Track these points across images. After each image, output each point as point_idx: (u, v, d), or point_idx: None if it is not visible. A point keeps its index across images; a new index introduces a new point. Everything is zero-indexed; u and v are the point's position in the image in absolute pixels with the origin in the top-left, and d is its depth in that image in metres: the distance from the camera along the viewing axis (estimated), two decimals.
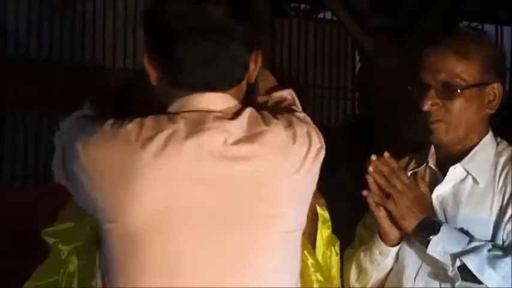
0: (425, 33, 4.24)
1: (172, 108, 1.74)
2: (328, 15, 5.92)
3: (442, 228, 2.17)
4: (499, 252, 2.17)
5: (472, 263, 2.16)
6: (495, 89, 2.28)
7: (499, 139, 2.35)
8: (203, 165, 1.67)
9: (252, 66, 1.78)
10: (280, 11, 5.65)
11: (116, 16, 5.70)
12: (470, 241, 2.18)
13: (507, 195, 2.25)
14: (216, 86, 1.72)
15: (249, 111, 1.75)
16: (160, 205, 1.68)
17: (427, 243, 2.19)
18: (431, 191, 2.32)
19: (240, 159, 1.68)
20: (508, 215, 2.23)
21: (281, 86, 5.41)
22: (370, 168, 2.24)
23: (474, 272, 2.18)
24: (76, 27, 5.73)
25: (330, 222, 2.43)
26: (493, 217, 2.26)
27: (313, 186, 1.85)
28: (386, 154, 2.25)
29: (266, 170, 1.72)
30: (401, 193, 2.21)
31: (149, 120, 1.68)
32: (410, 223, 2.21)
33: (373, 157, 2.24)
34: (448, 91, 2.23)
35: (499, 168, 2.29)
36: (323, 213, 2.43)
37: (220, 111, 1.72)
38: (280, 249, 1.78)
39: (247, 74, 1.79)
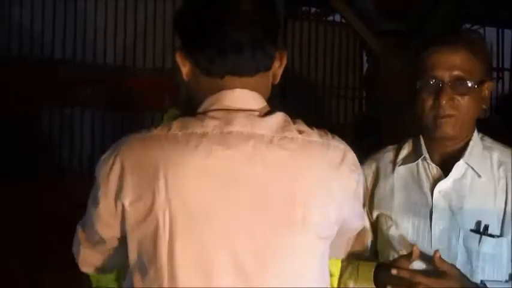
0: (433, 34, 4.18)
1: (201, 107, 1.71)
2: (337, 18, 5.94)
3: None
4: None
5: None
6: (490, 87, 2.30)
7: (481, 134, 2.33)
8: (232, 168, 1.63)
9: (277, 63, 1.76)
10: (292, 14, 5.66)
11: (136, 17, 5.61)
12: None
13: (509, 190, 2.23)
14: (243, 72, 1.69)
15: (281, 114, 1.72)
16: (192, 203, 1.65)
17: None
18: (432, 186, 2.28)
19: (269, 163, 1.65)
20: None
21: (291, 85, 5.30)
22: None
23: None
24: (97, 27, 5.51)
25: None
26: (499, 209, 2.23)
27: (350, 200, 1.81)
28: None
29: (296, 176, 1.67)
30: None
31: (177, 123, 1.66)
32: None
33: (394, 272, 2.15)
34: (461, 87, 2.21)
35: (495, 163, 2.28)
36: None
37: (249, 110, 1.70)
38: (309, 253, 1.73)
39: (272, 71, 1.77)
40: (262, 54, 1.72)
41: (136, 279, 1.76)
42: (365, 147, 3.84)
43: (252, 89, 1.73)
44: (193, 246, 1.66)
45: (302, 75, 5.67)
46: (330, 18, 6.06)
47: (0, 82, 5.15)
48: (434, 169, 2.30)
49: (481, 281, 2.16)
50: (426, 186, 2.30)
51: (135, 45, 5.20)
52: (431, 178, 2.30)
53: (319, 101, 5.63)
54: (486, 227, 2.20)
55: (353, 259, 2.39)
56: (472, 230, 2.22)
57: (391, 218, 2.34)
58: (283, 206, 1.67)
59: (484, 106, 2.29)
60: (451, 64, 2.22)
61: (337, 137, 1.75)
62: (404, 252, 2.24)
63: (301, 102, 5.39)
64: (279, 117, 1.71)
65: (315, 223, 1.71)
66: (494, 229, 2.21)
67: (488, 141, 2.31)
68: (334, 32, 5.87)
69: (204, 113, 1.69)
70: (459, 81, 2.21)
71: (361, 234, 2.18)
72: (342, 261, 2.45)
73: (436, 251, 2.13)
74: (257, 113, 1.71)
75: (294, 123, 1.71)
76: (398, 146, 2.41)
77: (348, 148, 1.76)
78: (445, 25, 4.78)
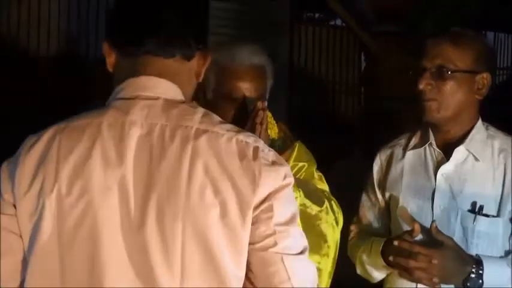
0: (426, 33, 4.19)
1: (110, 98, 1.53)
2: (339, 22, 5.92)
3: (486, 279, 2.12)
4: None
5: None
6: (484, 79, 2.26)
7: (486, 124, 2.33)
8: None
9: (200, 61, 1.59)
10: (297, 19, 5.63)
11: None
12: (511, 269, 2.15)
13: (508, 174, 2.24)
14: (158, 52, 1.51)
15: (186, 106, 1.52)
16: None
17: None
18: (435, 169, 2.29)
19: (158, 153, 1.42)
20: None
21: (297, 82, 5.30)
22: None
23: None
24: None
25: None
26: (496, 192, 2.24)
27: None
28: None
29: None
30: (435, 266, 2.11)
31: (89, 114, 1.48)
32: (454, 282, 2.16)
33: (396, 243, 2.17)
34: (441, 73, 2.21)
35: (496, 150, 2.28)
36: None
37: (151, 98, 1.49)
38: None
39: (195, 68, 1.59)
40: (179, 41, 1.54)
41: None
42: (366, 135, 3.90)
43: (167, 74, 1.53)
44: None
45: (307, 74, 5.67)
46: (332, 22, 6.05)
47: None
48: (438, 154, 2.31)
49: (476, 254, 2.16)
50: (431, 169, 2.31)
51: None
52: (435, 162, 2.31)
53: (322, 96, 5.64)
54: (481, 207, 2.21)
55: (368, 236, 2.43)
56: (468, 211, 2.22)
57: (399, 199, 2.35)
58: None
59: (477, 96, 2.27)
60: (434, 53, 2.23)
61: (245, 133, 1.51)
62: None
63: (306, 97, 5.40)
64: (183, 107, 1.51)
65: None
66: (490, 210, 2.21)
67: (492, 129, 2.31)
68: (335, 35, 5.87)
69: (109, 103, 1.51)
70: (440, 68, 2.21)
71: None
72: (352, 238, 2.50)
73: (432, 222, 2.16)
74: (158, 101, 1.49)
75: (204, 115, 1.50)
76: (411, 134, 2.42)
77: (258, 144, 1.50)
78: (439, 27, 4.78)
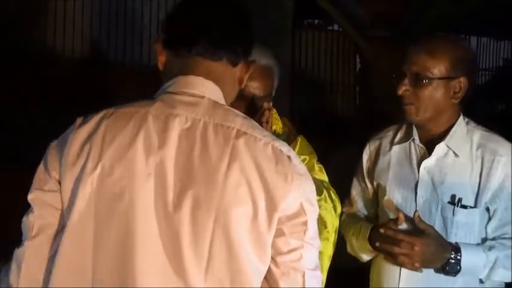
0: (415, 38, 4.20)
1: (158, 92, 1.49)
2: (336, 27, 5.91)
3: (463, 264, 2.10)
4: (509, 249, 2.14)
5: (495, 276, 2.15)
6: (461, 83, 2.20)
7: (467, 119, 2.29)
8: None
9: (243, 68, 1.54)
10: (299, 25, 5.62)
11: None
12: (486, 256, 2.12)
13: (485, 168, 2.20)
14: (207, 54, 1.47)
15: (226, 107, 1.48)
16: None
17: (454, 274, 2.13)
18: (419, 163, 2.26)
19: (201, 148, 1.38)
20: (490, 182, 2.18)
21: (299, 82, 5.27)
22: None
23: (501, 279, 2.19)
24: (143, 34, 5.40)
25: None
26: (474, 184, 2.20)
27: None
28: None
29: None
30: (417, 252, 2.09)
31: (137, 103, 1.45)
32: (434, 266, 2.13)
33: (382, 231, 2.15)
34: (418, 80, 2.17)
35: (474, 145, 2.23)
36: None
37: (197, 96, 1.45)
38: None
39: (238, 74, 1.54)
40: (227, 46, 1.49)
41: None
42: (361, 131, 3.90)
43: (213, 76, 1.49)
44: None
45: (307, 74, 5.67)
46: (330, 28, 6.04)
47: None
48: (421, 149, 2.27)
49: (455, 242, 2.13)
50: (415, 163, 2.28)
51: None
52: (419, 156, 2.28)
53: (321, 94, 5.64)
54: (460, 200, 2.17)
55: (357, 219, 2.42)
56: (448, 202, 2.19)
57: (385, 189, 2.32)
58: None
59: (453, 100, 2.20)
60: (412, 61, 2.18)
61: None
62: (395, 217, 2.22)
63: (306, 96, 5.40)
64: (226, 108, 1.47)
65: None
66: (468, 201, 2.18)
67: (473, 125, 2.27)
68: (333, 39, 5.86)
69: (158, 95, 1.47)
70: (417, 75, 2.16)
71: None
72: (344, 218, 2.46)
73: (415, 212, 2.13)
74: (204, 99, 1.45)
75: (245, 119, 1.45)
76: (398, 127, 2.39)
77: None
78: (427, 32, 4.80)
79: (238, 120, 1.43)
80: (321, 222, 2.32)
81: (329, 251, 2.35)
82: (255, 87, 2.28)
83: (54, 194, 1.41)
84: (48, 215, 1.42)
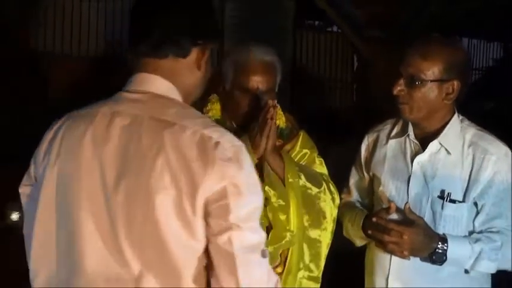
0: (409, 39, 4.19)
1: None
2: (335, 29, 5.91)
3: (449, 254, 2.10)
4: (493, 243, 2.13)
5: (480, 267, 2.14)
6: (453, 85, 2.18)
7: (461, 117, 2.28)
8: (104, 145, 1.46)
9: (198, 54, 1.55)
10: (300, 26, 5.62)
11: None
12: (472, 248, 2.12)
13: (475, 165, 2.19)
14: (152, 54, 1.51)
15: (172, 100, 1.51)
16: None
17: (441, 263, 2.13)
18: (412, 158, 2.26)
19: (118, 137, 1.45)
20: (480, 179, 2.17)
21: (299, 79, 5.23)
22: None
23: (485, 270, 2.18)
24: None
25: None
26: (463, 180, 2.19)
27: None
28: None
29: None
30: (406, 241, 2.08)
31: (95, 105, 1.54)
32: (421, 255, 2.13)
33: (374, 219, 2.15)
34: (412, 82, 2.16)
35: (466, 142, 2.22)
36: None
37: (143, 92, 1.51)
38: None
39: (195, 61, 1.56)
40: (170, 43, 1.51)
41: None
42: (357, 125, 3.90)
43: (162, 72, 1.52)
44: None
45: (307, 72, 5.68)
46: (329, 29, 6.05)
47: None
48: (415, 145, 2.27)
49: (443, 233, 2.13)
50: (409, 157, 2.27)
51: None
52: (413, 151, 2.27)
53: (320, 91, 5.65)
54: (449, 195, 2.16)
55: (354, 207, 2.42)
56: (438, 197, 2.18)
57: (380, 180, 2.32)
58: None
59: (445, 101, 2.19)
60: (407, 63, 2.17)
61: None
62: None
63: (306, 92, 5.41)
64: (164, 101, 1.50)
65: None
66: (457, 196, 2.17)
67: (466, 122, 2.26)
68: (332, 40, 5.87)
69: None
70: (412, 77, 2.15)
71: None
72: (342, 205, 2.43)
73: (406, 203, 2.12)
74: (147, 95, 1.50)
75: (181, 110, 1.48)
76: (396, 121, 2.38)
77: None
78: (422, 33, 4.80)
79: (172, 112, 1.46)
80: (320, 213, 2.33)
81: (327, 239, 2.35)
82: (257, 81, 2.28)
83: (31, 187, 1.57)
84: (28, 206, 1.57)
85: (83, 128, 1.47)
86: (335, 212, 2.35)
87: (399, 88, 2.17)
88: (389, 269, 2.24)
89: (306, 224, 2.31)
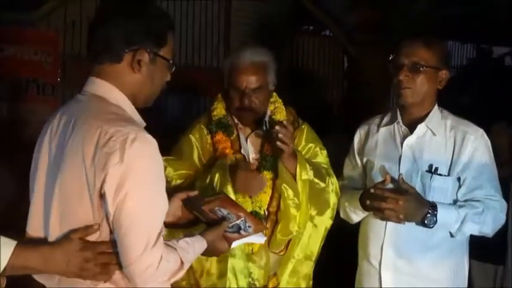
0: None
1: None
2: (327, 33, 5.91)
3: (439, 218, 2.12)
4: (476, 209, 2.16)
5: (465, 229, 2.17)
6: (444, 74, 2.27)
7: (441, 108, 2.33)
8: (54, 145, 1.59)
9: (132, 57, 1.57)
10: (296, 31, 5.62)
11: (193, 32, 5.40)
12: (457, 213, 2.14)
13: (457, 145, 2.23)
14: (96, 60, 1.59)
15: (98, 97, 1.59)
16: None
17: (431, 226, 2.14)
18: (402, 141, 2.29)
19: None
20: (461, 156, 2.21)
21: (296, 79, 5.20)
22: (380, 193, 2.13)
23: (469, 232, 2.20)
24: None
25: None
26: (447, 158, 2.23)
27: None
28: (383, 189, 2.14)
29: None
30: (401, 206, 2.10)
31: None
32: (414, 219, 2.14)
33: (372, 190, 2.16)
34: (416, 68, 2.20)
35: (448, 127, 2.27)
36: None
37: (89, 94, 1.59)
38: None
39: (131, 64, 1.58)
40: (104, 51, 1.56)
41: None
42: (348, 117, 3.91)
43: (104, 75, 1.58)
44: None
45: (303, 72, 5.68)
46: (322, 33, 6.03)
47: None
48: (404, 129, 2.30)
49: (432, 201, 2.16)
50: (398, 141, 2.31)
51: (193, 50, 5.00)
52: (402, 135, 2.30)
53: (314, 89, 5.64)
54: (436, 169, 2.20)
55: (349, 190, 2.42)
56: (426, 171, 2.21)
57: (374, 163, 2.35)
58: None
59: (439, 86, 2.27)
60: (410, 52, 2.21)
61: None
62: None
63: (302, 90, 5.42)
64: (94, 102, 1.57)
65: None
66: (443, 171, 2.21)
67: (446, 112, 2.31)
68: (325, 43, 5.84)
69: None
70: (415, 64, 2.20)
71: None
72: (339, 189, 2.41)
73: (399, 175, 2.15)
74: (84, 96, 1.59)
75: (100, 108, 1.55)
76: (383, 115, 2.42)
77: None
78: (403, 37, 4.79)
79: (91, 111, 1.54)
80: (326, 204, 2.34)
81: (328, 224, 2.37)
82: (246, 80, 2.25)
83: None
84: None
85: (48, 125, 1.62)
86: (336, 200, 2.36)
87: (404, 73, 2.20)
88: (384, 237, 2.25)
89: (313, 213, 2.31)
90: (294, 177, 2.22)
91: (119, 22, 1.58)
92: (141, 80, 1.61)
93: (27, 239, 1.58)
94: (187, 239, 1.65)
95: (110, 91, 1.58)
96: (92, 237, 1.51)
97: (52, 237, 1.53)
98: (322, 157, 2.41)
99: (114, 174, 1.43)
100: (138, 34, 1.58)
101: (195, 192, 1.92)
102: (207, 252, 1.74)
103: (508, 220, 3.53)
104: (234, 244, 1.80)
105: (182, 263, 1.56)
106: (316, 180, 2.28)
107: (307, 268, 2.35)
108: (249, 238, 1.85)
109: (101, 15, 1.62)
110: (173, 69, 1.68)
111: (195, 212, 1.87)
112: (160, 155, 1.54)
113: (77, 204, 1.49)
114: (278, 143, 2.13)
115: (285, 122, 2.20)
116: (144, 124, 1.63)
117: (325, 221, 2.36)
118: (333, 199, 2.35)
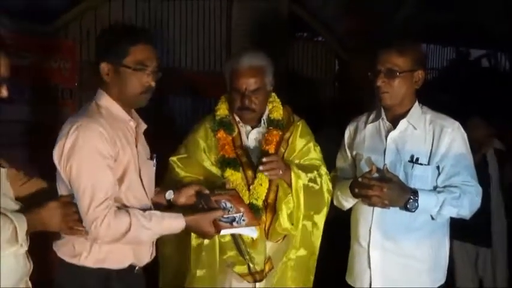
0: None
1: None
2: (320, 38, 5.93)
3: (420, 203, 2.15)
4: (453, 194, 2.18)
5: (444, 212, 2.19)
6: (420, 74, 2.27)
7: (421, 104, 2.34)
8: None
9: (101, 70, 1.88)
10: (291, 37, 5.64)
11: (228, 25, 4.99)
12: (437, 198, 2.16)
13: (435, 137, 2.25)
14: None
15: (92, 103, 1.91)
16: None
17: (413, 210, 2.16)
18: (386, 135, 2.31)
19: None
20: (440, 147, 2.23)
21: (292, 80, 5.22)
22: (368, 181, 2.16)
23: (448, 215, 2.22)
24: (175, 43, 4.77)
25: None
26: (427, 149, 2.25)
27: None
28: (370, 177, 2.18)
29: None
30: (385, 193, 2.13)
31: None
32: (398, 204, 2.16)
33: (361, 179, 2.19)
34: (391, 74, 2.22)
35: (427, 121, 2.28)
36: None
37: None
38: None
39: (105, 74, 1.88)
40: (98, 64, 1.88)
41: None
42: (339, 115, 3.93)
43: (102, 85, 1.91)
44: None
45: (298, 74, 5.70)
46: (316, 39, 6.04)
47: None
48: (388, 125, 2.33)
49: (414, 188, 2.18)
50: (383, 135, 2.33)
51: (198, 56, 4.90)
52: (386, 130, 2.33)
53: (308, 89, 5.67)
54: (417, 159, 2.22)
55: (341, 180, 2.44)
56: (408, 161, 2.23)
57: (362, 155, 2.37)
58: None
59: (416, 86, 2.27)
60: (384, 60, 2.23)
61: None
62: None
63: (298, 90, 5.44)
64: (88, 106, 1.88)
65: None
66: (423, 161, 2.23)
67: (425, 108, 2.33)
68: (318, 48, 5.85)
69: None
70: (390, 70, 2.21)
71: None
72: (332, 180, 2.46)
73: (384, 165, 2.18)
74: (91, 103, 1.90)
75: (82, 109, 1.90)
76: (369, 113, 2.44)
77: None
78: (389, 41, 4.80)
79: (78, 113, 1.86)
80: (322, 203, 2.39)
81: (323, 219, 2.42)
82: (245, 83, 2.29)
83: None
84: None
85: None
86: (329, 197, 2.40)
87: (381, 80, 2.21)
88: (371, 221, 2.28)
89: (311, 213, 2.34)
90: (290, 185, 2.26)
91: (100, 40, 1.90)
92: (113, 88, 1.88)
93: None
94: (162, 213, 1.85)
95: (99, 95, 1.91)
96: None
97: None
98: (315, 153, 2.43)
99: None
100: (101, 49, 1.87)
101: (207, 191, 2.05)
102: (192, 230, 1.92)
103: (492, 202, 3.60)
104: (223, 232, 1.91)
105: (130, 225, 1.76)
106: (311, 185, 2.31)
107: (313, 262, 2.40)
108: (241, 230, 1.97)
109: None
110: (148, 72, 1.87)
111: (202, 200, 1.97)
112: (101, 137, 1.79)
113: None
114: (265, 173, 2.20)
115: (264, 159, 2.21)
116: (128, 118, 1.92)
117: (323, 218, 2.39)
118: (327, 198, 2.38)
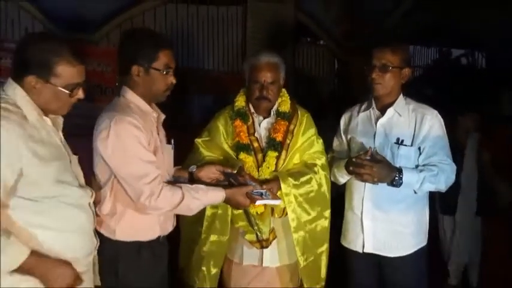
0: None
1: None
2: (321, 42, 5.91)
3: (404, 180, 2.14)
4: (432, 172, 2.17)
5: (424, 187, 2.20)
6: (406, 71, 2.27)
7: (405, 96, 2.34)
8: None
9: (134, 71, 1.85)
10: (296, 41, 5.63)
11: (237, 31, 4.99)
12: (418, 176, 2.15)
13: (417, 123, 2.25)
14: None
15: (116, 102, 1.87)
16: None
17: (398, 186, 2.16)
18: (376, 121, 2.31)
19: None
20: (421, 131, 2.23)
21: (297, 80, 5.20)
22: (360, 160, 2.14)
23: (427, 189, 2.22)
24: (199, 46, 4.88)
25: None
26: (410, 132, 2.25)
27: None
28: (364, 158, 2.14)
29: None
30: (375, 172, 2.12)
31: None
32: (385, 181, 2.16)
33: (354, 160, 2.16)
34: (384, 68, 2.22)
35: (411, 110, 2.28)
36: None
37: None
38: None
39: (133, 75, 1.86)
40: (125, 66, 1.88)
41: None
42: (338, 109, 3.93)
43: (129, 84, 1.88)
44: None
45: (303, 74, 5.69)
46: (318, 42, 6.00)
47: None
48: (378, 113, 2.34)
49: (399, 166, 2.19)
50: (373, 121, 2.34)
51: (218, 59, 4.97)
52: (376, 117, 2.34)
53: (312, 86, 5.68)
54: (402, 141, 2.23)
55: (337, 160, 2.43)
56: (395, 143, 2.24)
57: (355, 139, 2.38)
58: None
59: (402, 81, 2.27)
60: (379, 56, 2.23)
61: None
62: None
63: (303, 87, 5.44)
64: (117, 101, 1.87)
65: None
66: (407, 143, 2.23)
67: (409, 99, 2.33)
68: (320, 50, 5.82)
69: None
70: (384, 65, 2.22)
71: None
72: (329, 160, 2.43)
73: (374, 148, 2.19)
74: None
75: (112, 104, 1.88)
76: (361, 104, 2.44)
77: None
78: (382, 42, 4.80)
79: (110, 108, 1.84)
80: (325, 199, 2.37)
81: (327, 216, 2.39)
82: (264, 76, 2.28)
83: None
84: None
85: None
86: (329, 194, 2.37)
87: (375, 73, 2.22)
88: (364, 193, 2.30)
89: (319, 209, 2.31)
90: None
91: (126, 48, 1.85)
92: (143, 84, 1.85)
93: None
94: (205, 186, 1.86)
95: (126, 93, 1.87)
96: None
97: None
98: (318, 146, 2.41)
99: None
100: (129, 55, 1.83)
101: (229, 170, 2.08)
102: (230, 203, 1.91)
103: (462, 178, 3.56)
104: (258, 202, 1.94)
105: (183, 196, 1.77)
106: (309, 190, 2.30)
107: (326, 247, 2.38)
108: (269, 201, 1.99)
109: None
110: (171, 73, 1.87)
111: (231, 178, 2.02)
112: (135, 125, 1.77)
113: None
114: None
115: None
116: (151, 110, 1.88)
117: (328, 210, 2.38)
118: (327, 196, 2.37)
